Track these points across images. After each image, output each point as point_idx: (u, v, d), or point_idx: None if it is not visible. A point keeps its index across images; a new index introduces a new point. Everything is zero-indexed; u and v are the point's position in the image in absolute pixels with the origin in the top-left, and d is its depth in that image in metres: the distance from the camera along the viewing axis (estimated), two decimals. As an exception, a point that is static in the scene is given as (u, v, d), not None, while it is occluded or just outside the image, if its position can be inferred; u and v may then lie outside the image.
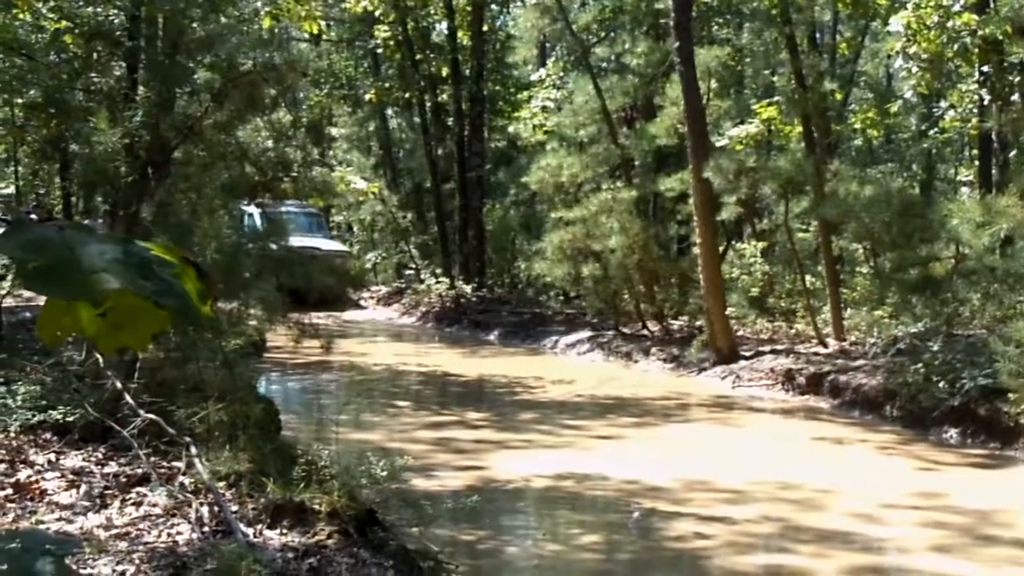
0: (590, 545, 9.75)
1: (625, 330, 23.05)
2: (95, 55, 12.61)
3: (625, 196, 22.87)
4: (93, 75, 12.27)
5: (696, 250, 20.53)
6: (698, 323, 21.36)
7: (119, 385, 8.35)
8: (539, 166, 25.21)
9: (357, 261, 33.76)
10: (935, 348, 14.66)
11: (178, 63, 11.54)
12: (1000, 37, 16.52)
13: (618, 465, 12.26)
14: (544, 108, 30.33)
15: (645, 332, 22.57)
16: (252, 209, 28.33)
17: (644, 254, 22.74)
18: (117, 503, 6.86)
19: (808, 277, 21.29)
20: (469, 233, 32.36)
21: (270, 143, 13.30)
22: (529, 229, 30.73)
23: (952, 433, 13.56)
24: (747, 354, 18.82)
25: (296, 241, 26.14)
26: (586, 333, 23.61)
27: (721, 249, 22.24)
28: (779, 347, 19.25)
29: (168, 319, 1.43)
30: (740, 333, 20.92)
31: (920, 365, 14.41)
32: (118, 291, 1.35)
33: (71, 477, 7.30)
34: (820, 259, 20.99)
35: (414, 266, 35.49)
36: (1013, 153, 18.51)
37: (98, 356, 8.96)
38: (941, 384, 13.84)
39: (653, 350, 20.79)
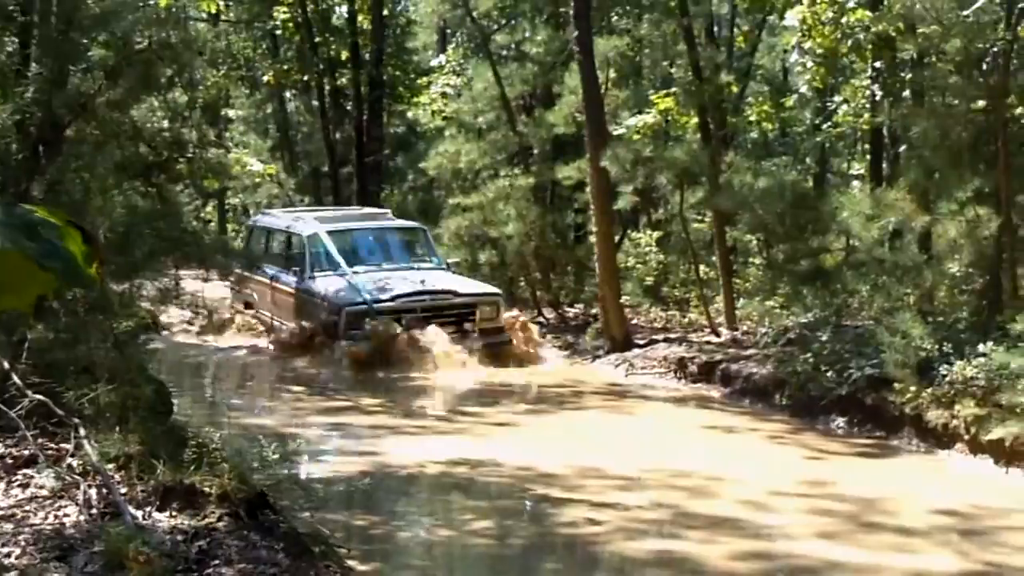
0: (482, 531, 9.79)
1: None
2: (-14, 30, 12.35)
3: (523, 183, 22.92)
4: (-17, 50, 12.01)
5: (592, 238, 20.62)
6: (593, 311, 21.47)
7: (6, 365, 8.21)
8: (437, 152, 25.19)
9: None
10: (824, 338, 14.88)
11: (72, 39, 11.33)
12: (892, 34, 16.80)
13: (511, 452, 12.31)
14: (443, 94, 30.27)
15: (541, 319, 22.63)
16: (311, 227, 20.41)
17: (541, 241, 22.83)
18: (3, 485, 6.76)
19: (702, 267, 21.50)
20: (367, 218, 32.21)
21: (165, 123, 13.11)
22: (427, 215, 30.64)
23: (839, 422, 13.79)
24: (641, 342, 18.96)
25: (400, 284, 18.87)
26: (482, 320, 23.57)
27: (617, 238, 22.38)
28: (672, 336, 19.40)
29: (53, 281, 1.42)
30: (634, 321, 21.06)
31: (809, 355, 14.62)
32: (1, 251, 1.34)
33: (-45, 458, 7.17)
34: (714, 249, 21.19)
35: (311, 250, 35.19)
36: (903, 148, 18.82)
37: (-16, 336, 8.80)
38: (829, 373, 14.06)
39: (548, 337, 20.85)
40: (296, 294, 19.44)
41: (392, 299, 18.33)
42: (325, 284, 19.02)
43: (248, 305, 21.16)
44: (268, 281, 20.20)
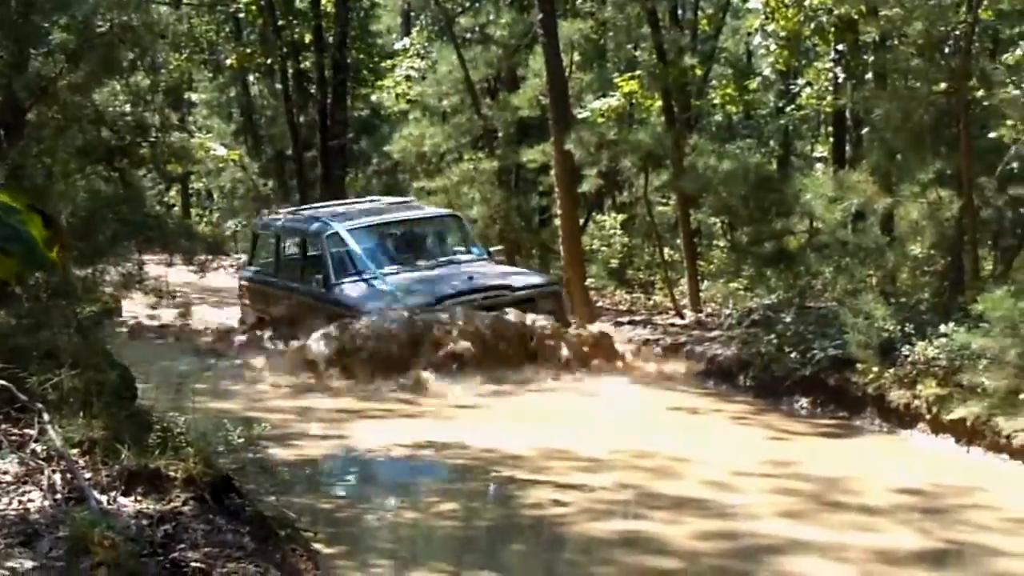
0: (448, 513, 9.82)
1: (486, 300, 23.04)
2: (-56, 13, 12.26)
3: (487, 167, 22.95)
4: (-58, 34, 11.91)
5: (557, 221, 20.65)
6: (558, 294, 21.49)
7: (-32, 351, 8.16)
8: (402, 135, 25.18)
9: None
10: (788, 319, 14.95)
11: (32, 22, 11.27)
12: (855, 17, 16.86)
13: (477, 434, 12.34)
14: (408, 77, 30.13)
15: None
16: (329, 226, 17.88)
17: (505, 224, 22.85)
18: (-34, 471, 6.72)
19: (666, 249, 21.56)
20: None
21: (128, 107, 13.05)
22: (391, 198, 30.65)
23: (803, 402, 13.86)
24: (606, 324, 18.98)
25: (443, 284, 16.68)
26: (447, 303, 23.54)
27: (582, 221, 22.43)
28: (637, 318, 19.44)
29: (14, 265, 1.42)
30: (599, 304, 21.10)
31: (773, 336, 14.68)
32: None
33: (-83, 444, 7.13)
34: (678, 232, 21.26)
35: (275, 234, 35.04)
36: (865, 130, 18.89)
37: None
38: (793, 355, 14.12)
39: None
40: (321, 307, 17.14)
41: (437, 302, 16.11)
42: (353, 293, 16.99)
43: (262, 320, 19.01)
44: (286, 293, 18.33)
